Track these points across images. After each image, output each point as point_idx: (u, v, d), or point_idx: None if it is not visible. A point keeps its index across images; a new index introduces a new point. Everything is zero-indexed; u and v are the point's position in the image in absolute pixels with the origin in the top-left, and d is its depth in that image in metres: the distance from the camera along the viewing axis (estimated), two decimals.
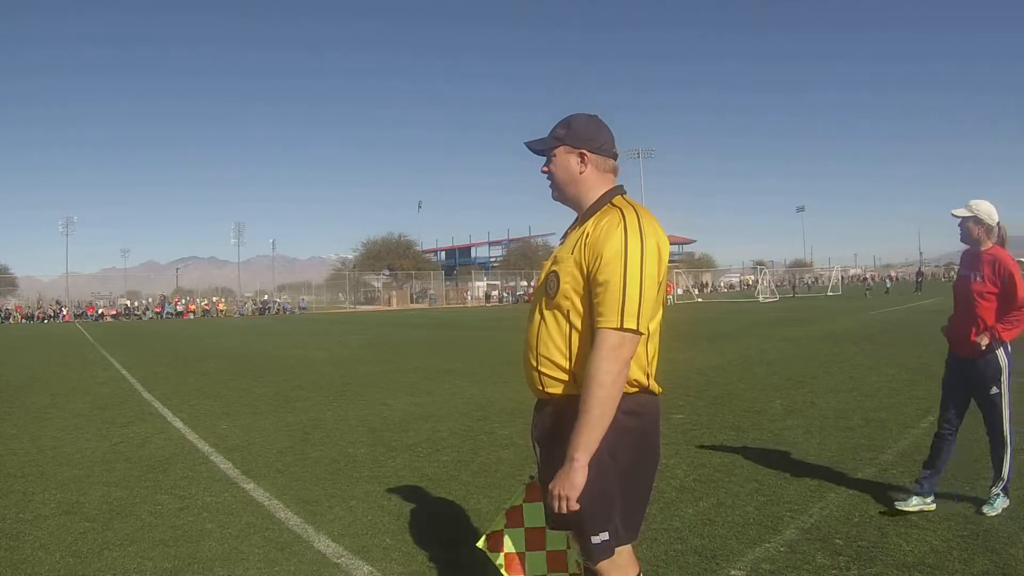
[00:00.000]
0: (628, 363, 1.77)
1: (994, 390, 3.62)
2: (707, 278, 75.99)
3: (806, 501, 3.91)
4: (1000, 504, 3.61)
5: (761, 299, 39.69)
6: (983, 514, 3.56)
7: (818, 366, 9.67)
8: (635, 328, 1.75)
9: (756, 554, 3.22)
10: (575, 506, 1.76)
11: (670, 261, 2.06)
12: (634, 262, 1.76)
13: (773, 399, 7.16)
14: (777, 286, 54.80)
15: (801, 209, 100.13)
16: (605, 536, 1.83)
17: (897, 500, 3.70)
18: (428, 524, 3.80)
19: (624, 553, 1.91)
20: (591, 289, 1.81)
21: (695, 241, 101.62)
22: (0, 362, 14.71)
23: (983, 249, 3.72)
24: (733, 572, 3.06)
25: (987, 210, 3.70)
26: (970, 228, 3.74)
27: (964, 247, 3.86)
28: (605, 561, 1.86)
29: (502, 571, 2.10)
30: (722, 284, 79.58)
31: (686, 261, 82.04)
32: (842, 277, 67.08)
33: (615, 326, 1.74)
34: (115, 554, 3.46)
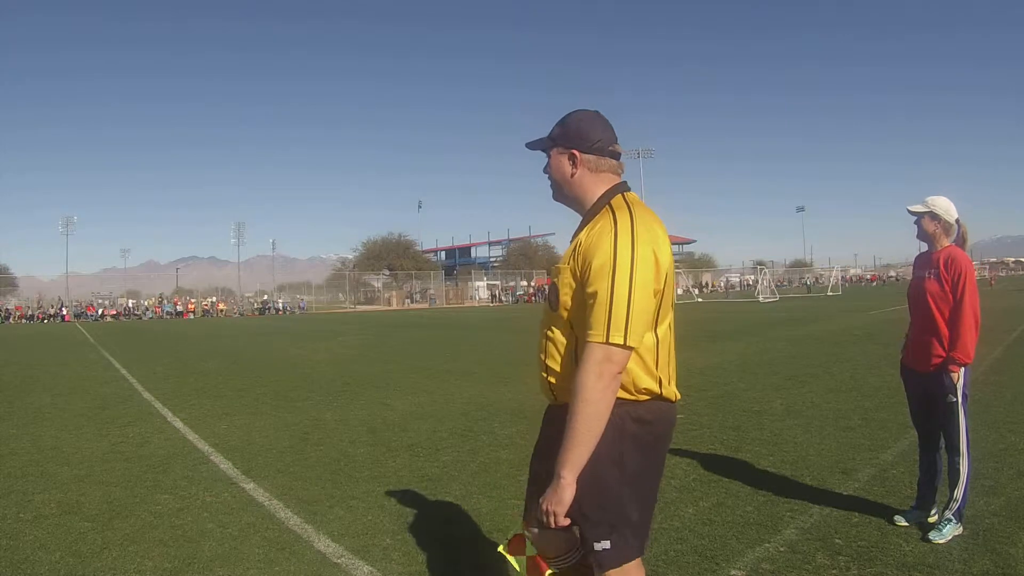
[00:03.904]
0: (616, 378, 1.71)
1: (951, 398, 3.38)
2: (707, 278, 75.98)
3: (806, 501, 3.91)
4: (950, 531, 3.30)
5: (761, 299, 39.66)
6: (929, 541, 3.27)
7: (818, 366, 9.67)
8: (622, 343, 1.68)
9: (756, 554, 3.22)
10: (564, 522, 1.75)
11: None
12: (623, 272, 1.69)
13: (773, 399, 7.16)
14: (778, 285, 54.85)
15: (801, 209, 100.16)
16: (607, 544, 1.81)
17: (897, 514, 3.58)
18: (428, 524, 3.80)
19: (632, 562, 1.88)
20: (583, 300, 1.76)
21: (695, 241, 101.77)
22: (0, 362, 14.70)
23: (939, 248, 3.50)
24: (733, 572, 3.06)
25: (944, 206, 3.46)
26: (926, 225, 3.50)
27: (917, 252, 3.63)
28: (615, 572, 1.84)
29: (525, 574, 2.07)
30: (721, 284, 79.56)
31: (686, 261, 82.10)
32: (842, 277, 67.09)
33: (601, 340, 1.68)
34: (115, 554, 3.46)
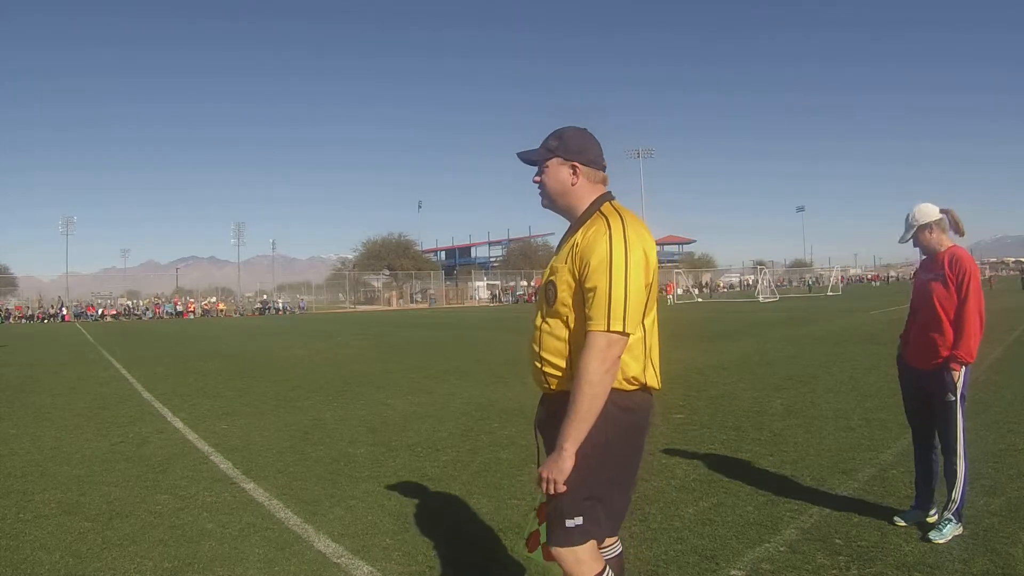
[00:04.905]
0: (616, 362, 1.89)
1: (950, 397, 3.38)
2: (707, 278, 75.97)
3: (806, 501, 3.91)
4: (950, 531, 3.31)
5: (761, 299, 39.64)
6: (929, 541, 3.27)
7: (818, 366, 9.67)
8: (621, 330, 1.87)
9: (756, 554, 3.22)
10: (562, 489, 1.90)
11: (670, 261, 2.13)
12: (619, 269, 1.88)
13: (773, 399, 7.16)
14: (778, 286, 54.83)
15: (801, 209, 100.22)
16: (579, 520, 1.94)
17: (897, 514, 3.58)
18: (428, 524, 3.80)
19: (588, 548, 1.98)
20: (582, 295, 1.94)
21: (695, 241, 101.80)
22: (0, 362, 14.71)
23: (942, 250, 3.50)
24: (733, 572, 3.06)
25: (926, 211, 3.49)
26: (924, 239, 3.52)
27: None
28: (568, 552, 1.95)
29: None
30: (721, 284, 79.53)
31: (686, 261, 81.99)
32: (842, 277, 67.11)
33: (603, 328, 1.87)
34: (115, 554, 3.46)
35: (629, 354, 1.94)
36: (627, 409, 1.97)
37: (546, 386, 2.06)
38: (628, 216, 2.00)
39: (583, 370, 1.86)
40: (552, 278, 2.03)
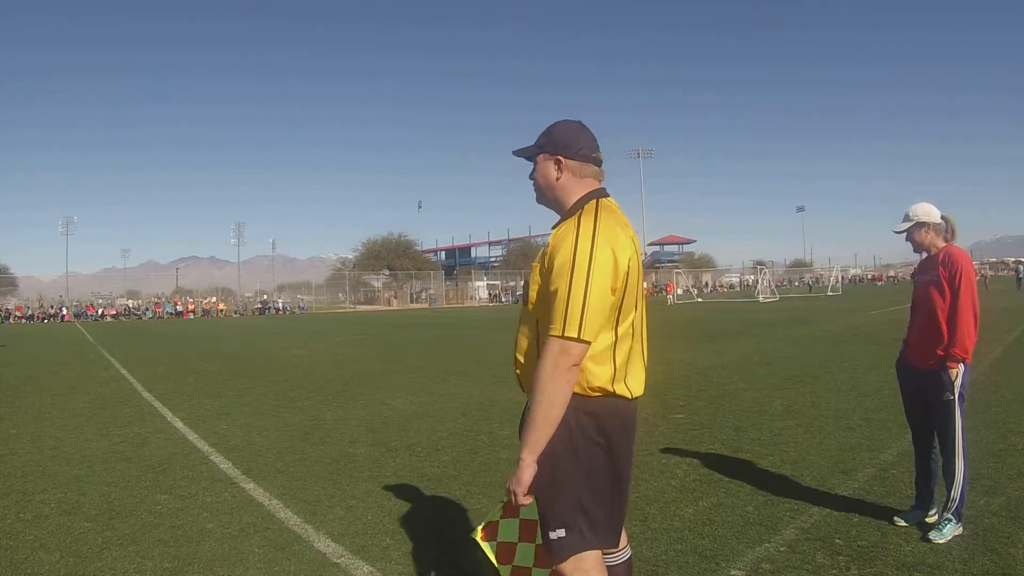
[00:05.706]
0: (572, 370, 1.80)
1: (947, 396, 3.39)
2: (707, 278, 75.91)
3: (806, 501, 3.91)
4: (950, 531, 3.31)
5: (761, 299, 39.63)
6: (929, 541, 3.27)
7: (818, 366, 9.67)
8: (576, 336, 1.78)
9: (756, 554, 3.22)
10: (524, 500, 1.85)
11: (670, 261, 2.09)
12: (580, 272, 1.79)
13: (773, 399, 7.16)
14: (778, 286, 54.85)
15: (801, 209, 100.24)
16: (562, 533, 1.89)
17: (897, 514, 3.58)
18: (428, 524, 3.80)
19: (591, 558, 1.93)
20: (547, 296, 1.87)
21: (695, 241, 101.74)
22: (0, 362, 14.70)
23: (936, 250, 3.54)
24: (733, 572, 3.06)
25: (926, 211, 3.51)
26: (918, 237, 3.55)
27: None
28: (569, 564, 1.91)
29: (493, 559, 2.20)
30: (721, 284, 79.46)
31: (686, 261, 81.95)
32: (842, 277, 67.12)
33: (558, 334, 1.79)
34: (115, 554, 3.46)
35: (593, 362, 1.85)
36: (594, 415, 1.88)
37: (521, 389, 2.04)
38: (605, 215, 1.90)
39: (536, 376, 1.80)
40: (528, 278, 2.01)
